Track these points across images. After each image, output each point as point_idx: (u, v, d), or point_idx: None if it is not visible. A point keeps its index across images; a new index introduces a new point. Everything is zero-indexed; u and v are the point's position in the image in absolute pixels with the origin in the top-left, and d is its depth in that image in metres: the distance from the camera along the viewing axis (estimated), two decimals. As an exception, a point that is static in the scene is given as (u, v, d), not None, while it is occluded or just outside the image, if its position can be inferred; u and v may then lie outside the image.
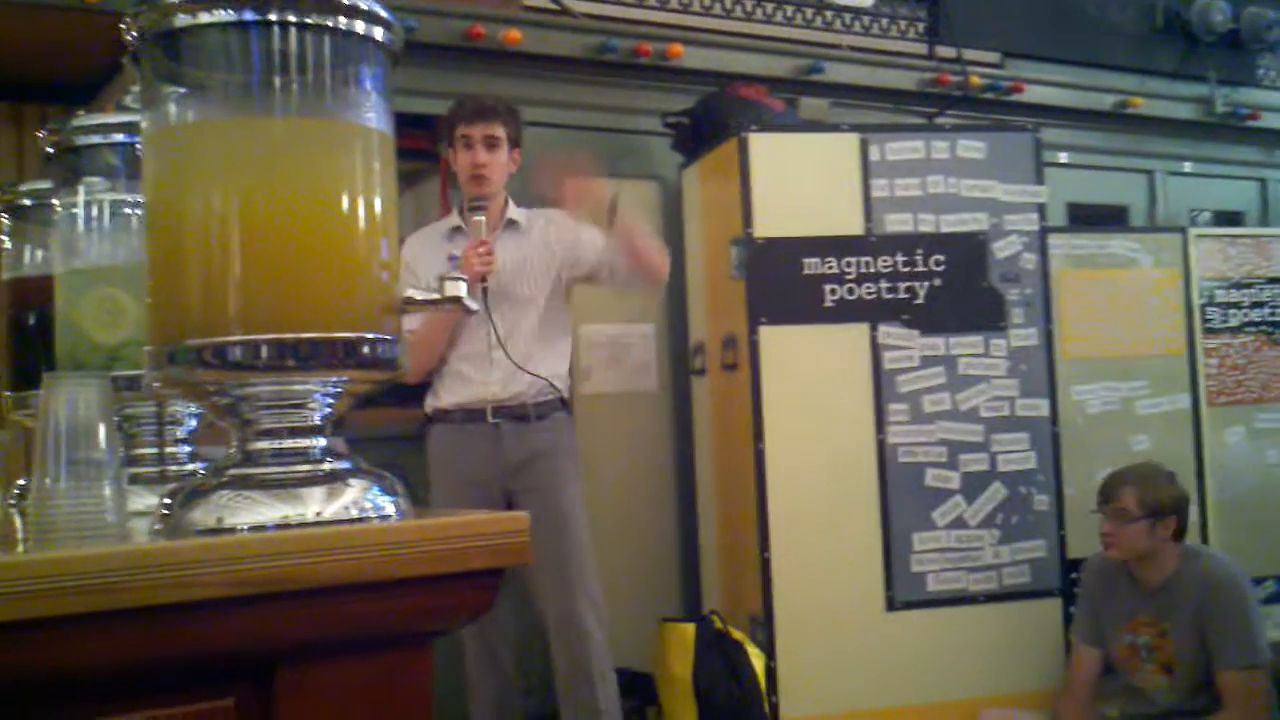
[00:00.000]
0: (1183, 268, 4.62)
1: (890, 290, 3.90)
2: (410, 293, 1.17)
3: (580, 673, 3.27)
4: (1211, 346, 4.67)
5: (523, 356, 3.28)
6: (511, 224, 3.44)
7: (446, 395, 3.34)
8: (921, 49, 5.16)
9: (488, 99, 3.41)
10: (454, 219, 3.47)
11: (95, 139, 1.57)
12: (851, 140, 3.94)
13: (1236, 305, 4.74)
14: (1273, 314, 4.80)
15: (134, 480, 1.48)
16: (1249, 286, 4.77)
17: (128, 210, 1.55)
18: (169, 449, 1.56)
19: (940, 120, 4.94)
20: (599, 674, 3.28)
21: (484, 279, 3.15)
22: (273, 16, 1.09)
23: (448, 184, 4.35)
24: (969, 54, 5.07)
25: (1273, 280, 4.81)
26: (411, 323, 3.19)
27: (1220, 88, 5.82)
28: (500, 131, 3.35)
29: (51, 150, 1.59)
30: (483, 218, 3.26)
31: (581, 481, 3.44)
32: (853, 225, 3.89)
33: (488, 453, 3.29)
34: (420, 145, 4.30)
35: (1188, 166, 5.81)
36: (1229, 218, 5.92)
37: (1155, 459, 4.45)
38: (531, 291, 3.38)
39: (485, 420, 3.30)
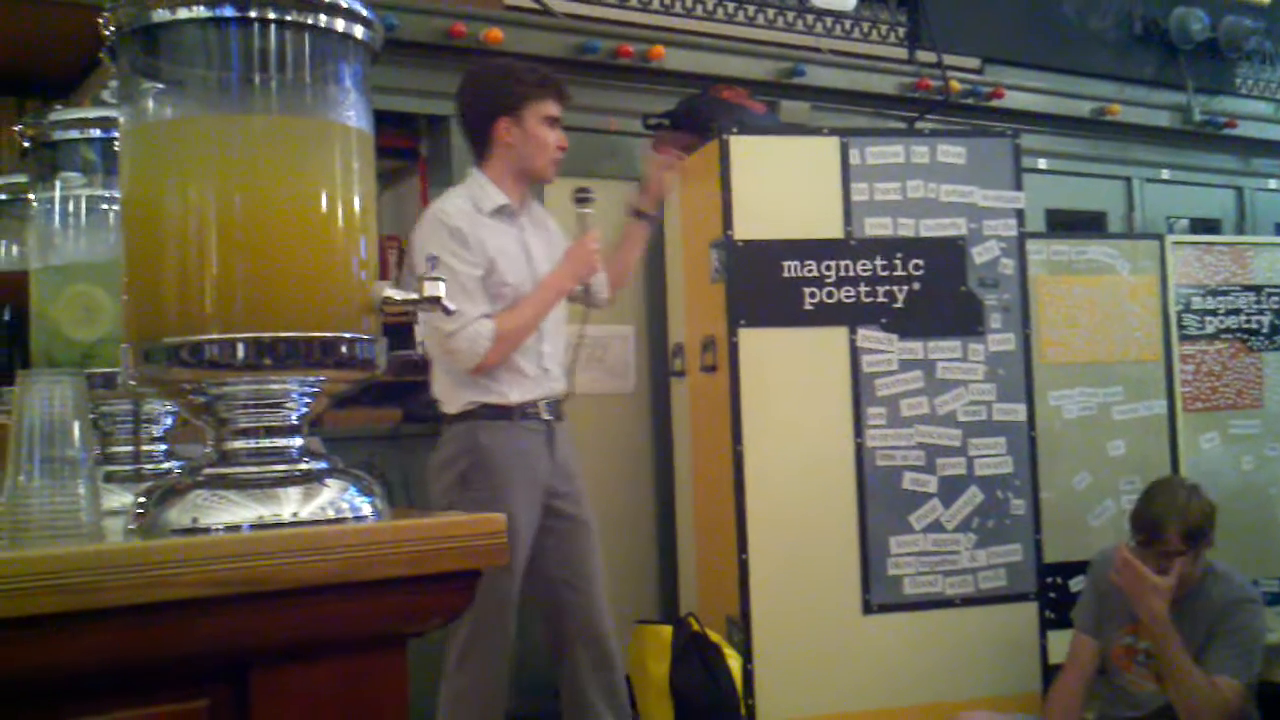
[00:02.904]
0: (1160, 274, 4.64)
1: (869, 294, 3.90)
2: (389, 292, 1.16)
3: (609, 677, 3.20)
4: (1187, 353, 4.70)
5: (560, 354, 3.25)
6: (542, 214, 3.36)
7: (511, 391, 3.11)
8: (902, 54, 5.17)
9: None
10: (494, 196, 3.16)
11: (72, 134, 1.56)
12: (832, 144, 3.95)
13: (1212, 312, 4.77)
14: (1248, 321, 4.83)
15: (109, 479, 1.47)
16: (1225, 294, 4.80)
17: (104, 206, 1.54)
18: (145, 448, 1.55)
19: (920, 125, 4.96)
20: (621, 676, 3.25)
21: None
22: (252, 13, 1.08)
23: (427, 183, 4.34)
24: (949, 59, 5.08)
25: (1248, 288, 4.85)
26: (483, 306, 3.04)
27: (1198, 96, 5.86)
28: None
29: (28, 144, 1.58)
30: (591, 210, 3.21)
31: None
32: (832, 228, 3.90)
33: (545, 454, 3.16)
34: (401, 144, 4.29)
35: (1165, 174, 5.85)
36: (1206, 225, 5.95)
37: (1131, 465, 4.50)
38: None
39: (539, 418, 3.16)
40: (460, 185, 3.24)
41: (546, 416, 3.17)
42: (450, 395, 3.15)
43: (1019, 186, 4.11)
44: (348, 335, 1.11)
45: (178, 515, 1.04)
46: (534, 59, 4.15)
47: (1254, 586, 3.50)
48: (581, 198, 3.21)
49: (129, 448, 1.54)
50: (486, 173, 3.19)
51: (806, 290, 3.85)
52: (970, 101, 5.13)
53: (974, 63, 5.32)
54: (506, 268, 3.11)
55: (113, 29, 1.11)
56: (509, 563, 3.01)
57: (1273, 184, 6.22)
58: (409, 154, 4.37)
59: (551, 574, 3.18)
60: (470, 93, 3.24)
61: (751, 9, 4.85)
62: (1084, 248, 4.59)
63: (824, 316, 3.86)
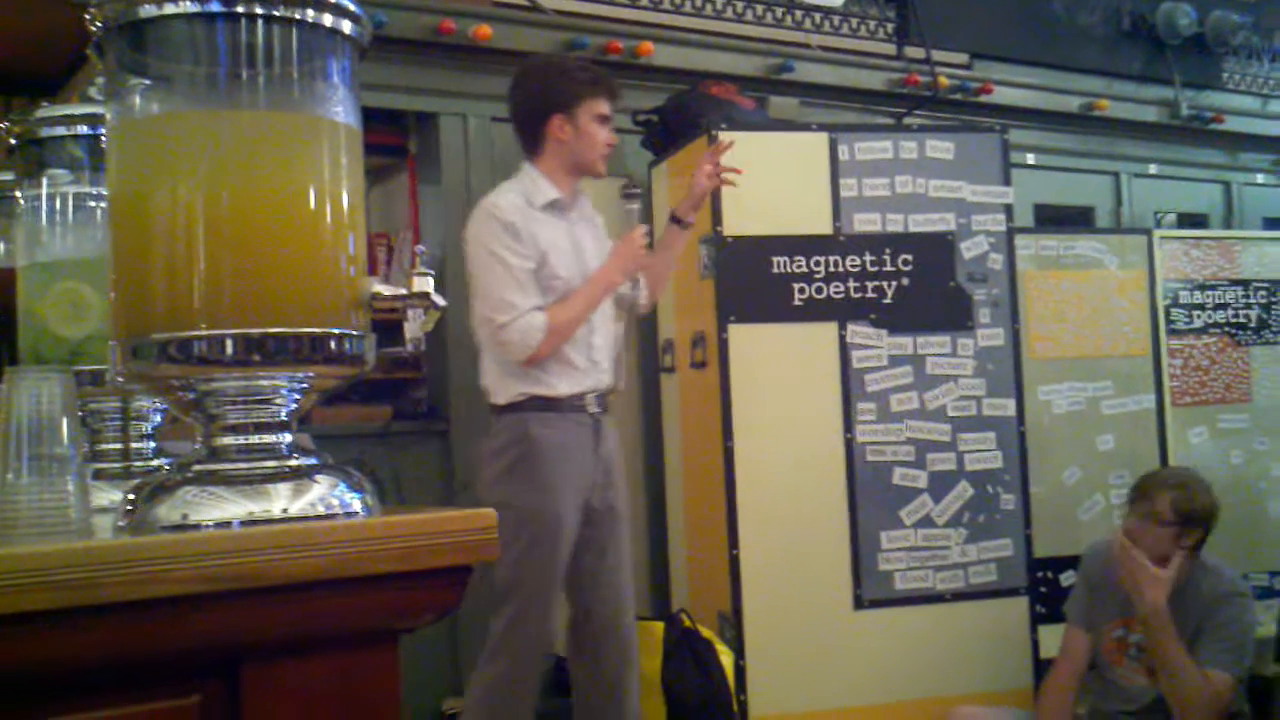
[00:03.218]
0: (1148, 269, 4.66)
1: (858, 289, 3.91)
2: (378, 287, 1.16)
3: (628, 671, 3.24)
4: (1176, 347, 4.71)
5: (609, 346, 3.27)
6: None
7: (559, 383, 3.14)
8: (890, 49, 5.18)
9: None
10: (545, 190, 3.18)
11: (59, 130, 1.56)
12: (820, 140, 3.95)
13: (1200, 307, 4.79)
14: (1236, 316, 4.85)
15: (98, 476, 1.46)
16: (1213, 288, 4.82)
17: (92, 203, 1.54)
18: (133, 444, 1.55)
19: (909, 120, 4.96)
20: (637, 671, 3.28)
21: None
22: (239, 8, 1.08)
23: (416, 179, 4.34)
24: (938, 55, 5.09)
25: (1236, 282, 4.86)
26: (535, 299, 3.08)
27: (1185, 91, 5.88)
28: None
29: (15, 141, 1.58)
30: (638, 206, 3.25)
31: None
32: (821, 224, 3.90)
33: (591, 446, 3.18)
34: (389, 140, 4.29)
35: (1153, 169, 5.86)
36: (1193, 220, 5.98)
37: (1121, 460, 4.52)
38: None
39: (586, 411, 3.18)
40: (512, 179, 3.26)
41: (593, 409, 3.19)
42: (499, 386, 3.18)
43: (1007, 182, 4.12)
44: (336, 331, 1.11)
45: (167, 512, 1.04)
46: (523, 55, 4.16)
47: (1243, 580, 3.51)
48: (628, 193, 3.24)
49: (118, 445, 1.54)
50: (539, 167, 3.22)
51: (796, 286, 3.86)
52: (959, 97, 5.15)
53: (962, 58, 5.33)
54: (558, 261, 3.14)
55: (99, 25, 1.11)
56: (554, 555, 3.03)
57: (1260, 178, 6.25)
58: (398, 150, 4.36)
59: (583, 564, 3.20)
60: (524, 90, 3.26)
61: (740, 5, 4.85)
62: (1072, 243, 4.60)
63: (813, 312, 3.87)
